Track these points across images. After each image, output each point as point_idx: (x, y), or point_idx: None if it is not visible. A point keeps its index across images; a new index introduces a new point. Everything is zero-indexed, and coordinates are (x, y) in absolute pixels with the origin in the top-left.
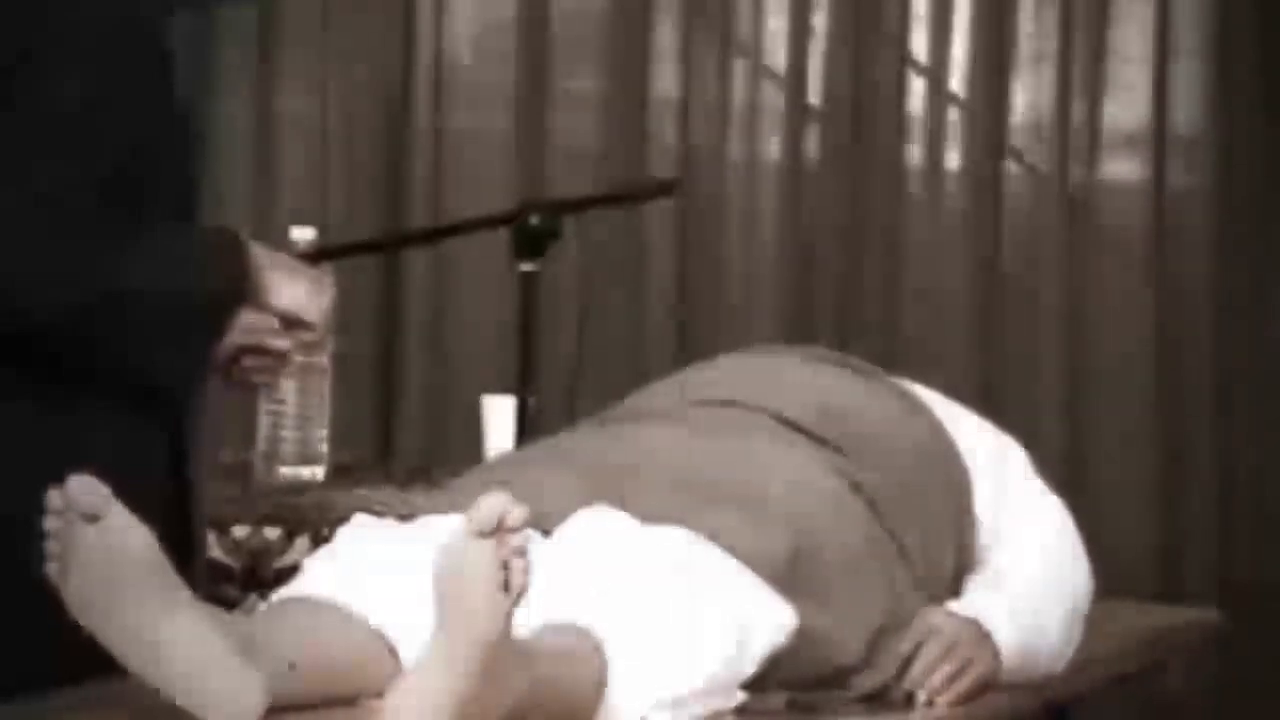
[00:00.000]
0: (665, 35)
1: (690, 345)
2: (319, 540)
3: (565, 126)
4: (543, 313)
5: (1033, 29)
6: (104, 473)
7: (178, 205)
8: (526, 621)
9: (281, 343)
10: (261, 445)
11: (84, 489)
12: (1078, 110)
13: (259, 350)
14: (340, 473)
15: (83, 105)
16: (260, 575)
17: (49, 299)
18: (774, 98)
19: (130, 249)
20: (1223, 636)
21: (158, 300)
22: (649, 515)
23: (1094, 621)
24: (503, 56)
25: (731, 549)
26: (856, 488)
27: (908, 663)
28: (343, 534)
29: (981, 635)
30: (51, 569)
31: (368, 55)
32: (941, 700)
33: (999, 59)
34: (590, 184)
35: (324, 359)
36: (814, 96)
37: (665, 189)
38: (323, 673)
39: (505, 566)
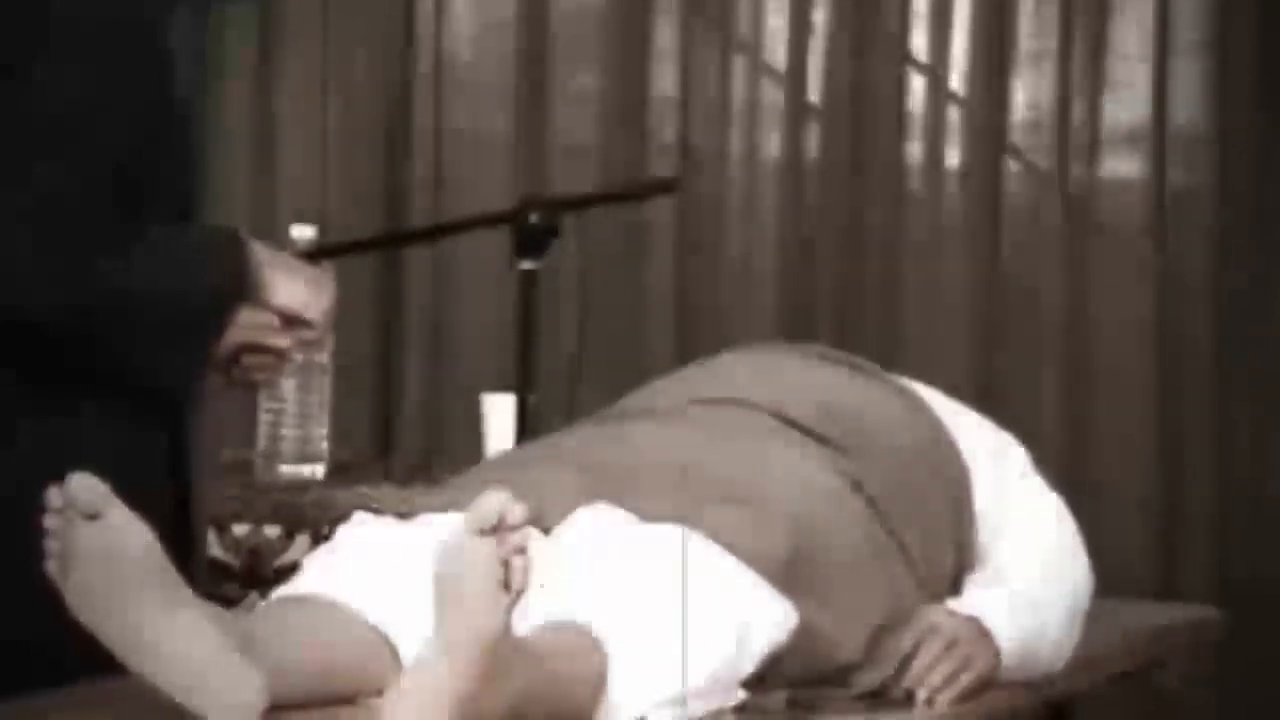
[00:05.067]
0: (665, 34)
1: (690, 344)
2: (319, 538)
3: (565, 125)
4: (543, 311)
5: (1032, 27)
6: (104, 471)
7: (178, 205)
8: (526, 620)
9: (281, 341)
10: (262, 443)
11: (84, 487)
12: (1077, 108)
13: (259, 348)
14: (340, 471)
15: (82, 105)
16: (260, 573)
17: (49, 299)
18: (774, 96)
19: (130, 248)
20: (1222, 635)
21: (158, 299)
22: (649, 513)
23: (1094, 620)
24: (503, 56)
25: (731, 547)
26: (857, 486)
27: (908, 661)
28: (342, 532)
29: (981, 633)
30: (52, 567)
31: (368, 55)
32: (941, 698)
33: (999, 57)
34: (590, 182)
35: (324, 357)
36: (814, 95)
37: (665, 187)
38: (322, 671)
39: (505, 565)
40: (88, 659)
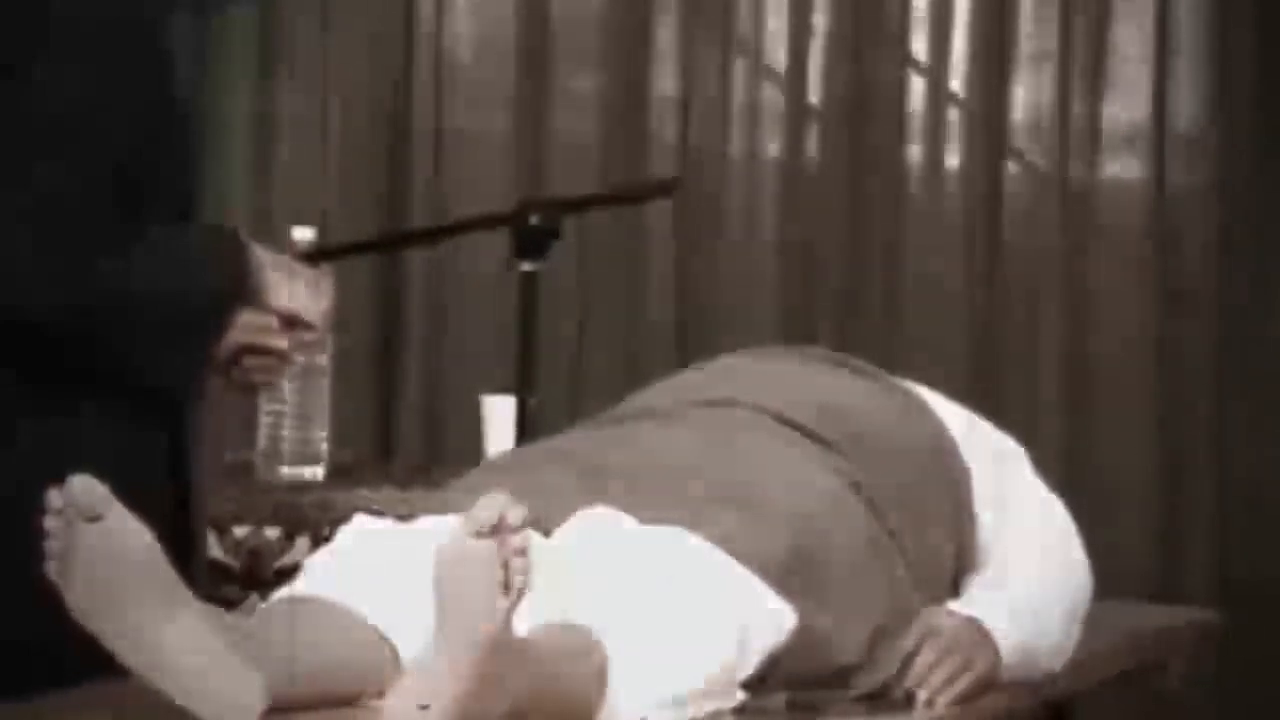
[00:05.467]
0: (665, 35)
1: (690, 345)
2: (319, 540)
3: (565, 126)
4: (543, 312)
5: (1033, 28)
6: (104, 471)
7: (178, 205)
8: (527, 621)
9: (281, 342)
10: (262, 445)
11: (84, 489)
12: (1078, 109)
13: (259, 350)
14: (340, 472)
15: (83, 105)
16: (260, 575)
17: (49, 300)
18: (774, 97)
19: (130, 249)
20: (1222, 636)
21: (158, 300)
22: (649, 515)
23: (1094, 621)
24: (503, 56)
25: (731, 548)
26: (856, 487)
27: (908, 662)
28: (343, 534)
29: (981, 635)
30: (52, 569)
31: (368, 55)
32: (941, 700)
33: (999, 58)
34: (590, 183)
35: (324, 359)
36: (814, 96)
37: (665, 188)
38: (323, 673)
39: (505, 566)
40: (88, 660)
